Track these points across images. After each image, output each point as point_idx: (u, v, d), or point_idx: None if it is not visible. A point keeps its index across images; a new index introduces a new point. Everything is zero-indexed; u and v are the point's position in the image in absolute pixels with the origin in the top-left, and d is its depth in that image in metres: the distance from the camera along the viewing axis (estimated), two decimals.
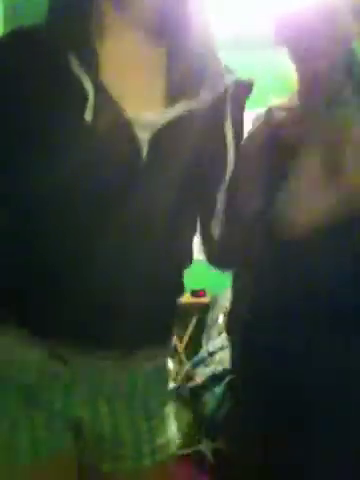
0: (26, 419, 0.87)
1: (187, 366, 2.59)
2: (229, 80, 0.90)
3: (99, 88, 0.81)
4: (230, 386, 1.29)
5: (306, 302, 0.98)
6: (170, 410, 0.99)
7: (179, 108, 0.85)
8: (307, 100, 1.03)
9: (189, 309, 3.38)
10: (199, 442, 2.19)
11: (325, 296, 0.97)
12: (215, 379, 2.20)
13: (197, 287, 3.44)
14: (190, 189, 0.90)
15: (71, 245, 0.84)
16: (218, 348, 2.50)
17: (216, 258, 1.08)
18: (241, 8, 2.79)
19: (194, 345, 3.23)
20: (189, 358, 3.03)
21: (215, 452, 2.06)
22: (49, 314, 0.85)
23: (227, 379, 2.12)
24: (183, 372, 2.52)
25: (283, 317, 1.01)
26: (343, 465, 0.96)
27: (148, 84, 0.88)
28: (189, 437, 2.24)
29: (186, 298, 3.46)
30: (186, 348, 3.38)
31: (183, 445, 2.18)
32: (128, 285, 0.86)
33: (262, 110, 1.10)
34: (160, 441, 0.94)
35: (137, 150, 0.83)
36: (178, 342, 3.37)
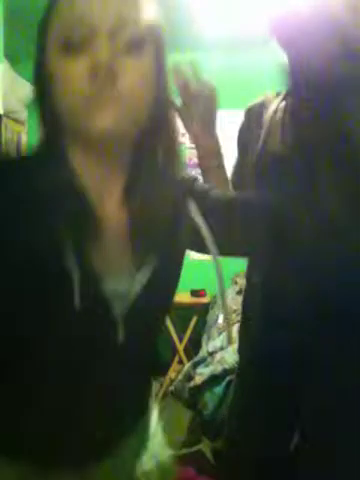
0: None
1: (187, 366, 2.59)
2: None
3: (85, 270, 0.76)
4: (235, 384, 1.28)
5: (308, 304, 0.99)
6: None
7: (147, 271, 0.82)
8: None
9: (189, 309, 3.38)
10: (199, 442, 2.19)
11: (328, 298, 0.97)
12: (215, 379, 2.20)
13: (197, 287, 3.44)
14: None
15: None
16: (218, 348, 2.50)
17: None
18: (240, 8, 2.79)
19: (194, 345, 3.23)
20: (189, 358, 3.03)
21: (215, 452, 2.06)
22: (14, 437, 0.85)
23: (227, 379, 2.12)
24: (183, 372, 2.53)
25: (284, 318, 1.02)
26: (343, 465, 0.97)
27: (117, 247, 0.83)
28: (189, 437, 2.25)
29: (186, 298, 3.47)
30: (186, 348, 3.38)
31: (183, 445, 2.19)
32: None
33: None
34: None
35: (114, 330, 0.81)
36: (178, 342, 3.38)
